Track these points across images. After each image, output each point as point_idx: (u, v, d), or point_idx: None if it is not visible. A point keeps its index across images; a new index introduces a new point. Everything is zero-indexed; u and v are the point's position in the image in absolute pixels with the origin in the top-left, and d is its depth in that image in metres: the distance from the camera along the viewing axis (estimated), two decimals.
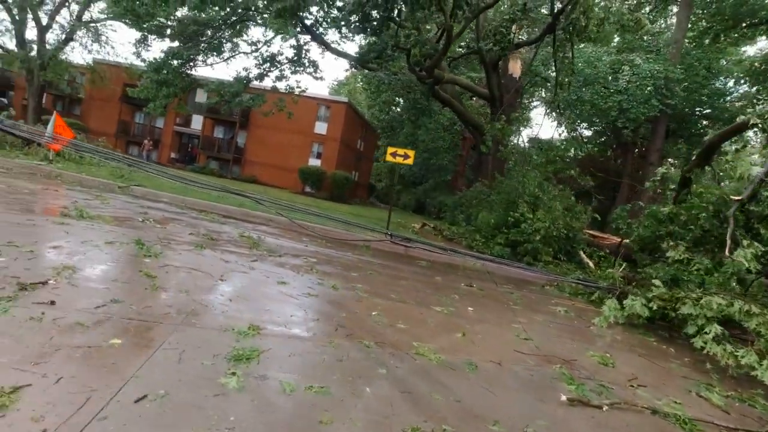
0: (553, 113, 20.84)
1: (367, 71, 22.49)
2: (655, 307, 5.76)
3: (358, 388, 2.91)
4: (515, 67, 18.64)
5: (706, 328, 4.54)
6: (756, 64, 21.49)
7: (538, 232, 10.41)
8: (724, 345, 4.35)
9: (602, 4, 13.67)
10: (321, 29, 14.99)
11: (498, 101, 17.75)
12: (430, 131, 23.11)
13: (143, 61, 15.49)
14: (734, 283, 5.61)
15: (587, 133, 26.97)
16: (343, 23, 11.91)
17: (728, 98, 19.87)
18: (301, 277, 5.53)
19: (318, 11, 13.29)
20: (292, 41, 14.17)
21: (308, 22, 14.43)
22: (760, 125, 5.48)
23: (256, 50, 15.18)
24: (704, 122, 20.96)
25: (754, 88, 21.46)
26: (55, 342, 2.68)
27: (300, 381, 2.83)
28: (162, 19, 14.96)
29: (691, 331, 5.12)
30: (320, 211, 12.61)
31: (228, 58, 15.38)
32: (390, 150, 12.05)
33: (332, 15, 12.95)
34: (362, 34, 11.90)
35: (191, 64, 14.87)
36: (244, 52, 15.69)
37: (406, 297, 5.63)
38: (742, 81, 22.63)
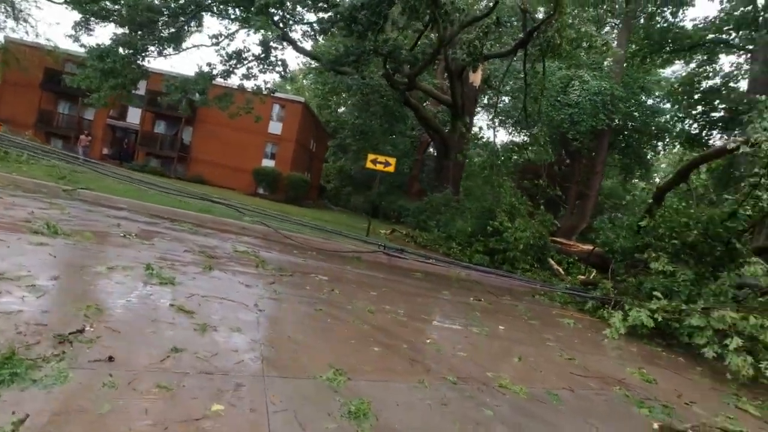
0: (506, 121, 21.84)
1: (323, 72, 21.97)
2: (660, 319, 6.15)
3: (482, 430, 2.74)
4: (476, 77, 19.19)
5: (727, 340, 4.91)
6: (675, 85, 24.06)
7: (520, 241, 10.76)
8: (745, 356, 4.74)
9: (575, 24, 14.50)
10: (288, 27, 14.33)
11: (460, 109, 18.17)
12: (405, 137, 23.13)
13: (83, 46, 13.77)
14: (729, 296, 6.17)
15: (527, 138, 28.70)
16: (329, 24, 11.44)
17: (664, 115, 21.98)
18: (327, 299, 5.17)
19: (292, 8, 12.68)
20: (258, 37, 13.36)
21: (276, 18, 13.71)
22: (746, 149, 6.05)
23: (217, 44, 14.14)
24: (635, 135, 23.02)
25: (674, 106, 23.95)
26: (157, 418, 2.20)
27: (424, 428, 2.59)
28: (108, 2, 13.40)
29: (701, 342, 5.51)
30: (303, 220, 12.04)
31: (185, 50, 14.15)
32: (371, 157, 11.82)
33: (319, 17, 12.42)
34: (347, 36, 11.51)
35: (143, 54, 13.48)
36: (204, 45, 14.52)
37: (437, 317, 5.50)
38: (665, 100, 25.17)
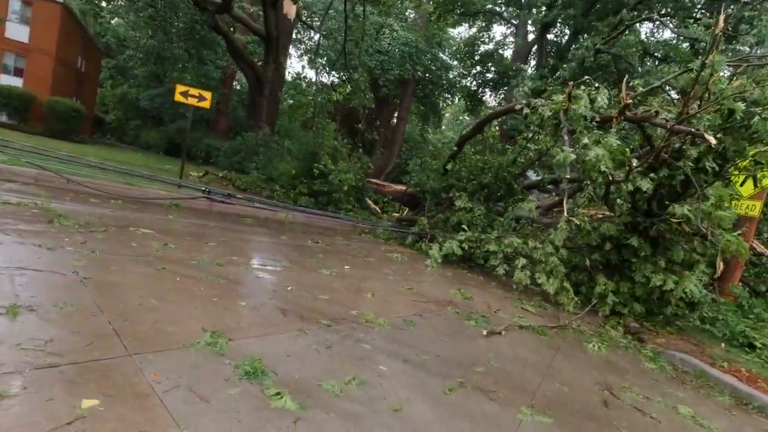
0: (325, 63, 21.57)
1: None
2: (466, 248, 7.54)
3: (378, 370, 3.00)
4: (290, 9, 18.11)
5: (515, 261, 6.43)
6: (461, 45, 27.75)
7: (344, 183, 11.24)
8: (525, 271, 6.32)
9: None
10: None
11: (274, 41, 17.06)
12: (216, 67, 20.00)
13: None
14: (512, 227, 7.95)
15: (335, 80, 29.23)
16: None
17: (452, 71, 25.15)
18: (164, 255, 4.52)
19: None
20: None
21: None
22: (527, 110, 7.64)
23: None
24: (431, 87, 25.98)
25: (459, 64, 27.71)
26: None
27: (329, 377, 2.70)
28: None
29: (495, 263, 7.05)
30: (91, 160, 9.66)
31: None
32: (180, 89, 10.15)
33: None
34: None
35: None
36: None
37: (286, 263, 5.45)
38: (453, 58, 28.85)
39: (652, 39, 17.55)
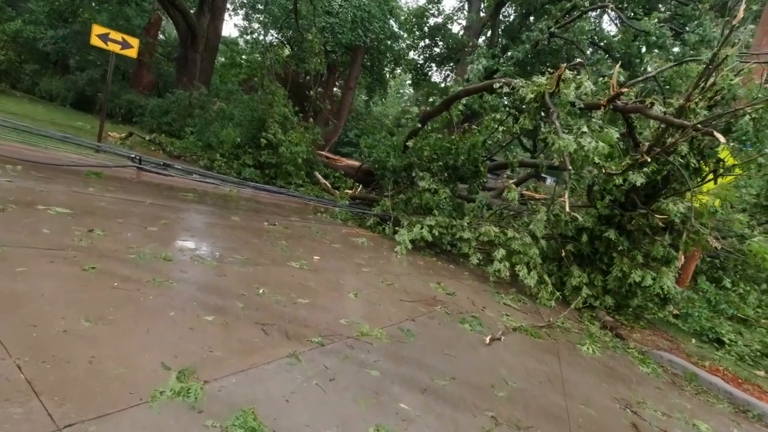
0: (269, 22, 19.49)
1: None
2: (437, 233, 7.07)
3: (399, 410, 2.39)
4: None
5: (494, 251, 6.06)
6: (410, 16, 26.82)
7: (296, 155, 10.21)
8: (505, 263, 5.99)
9: None
10: None
11: None
12: (144, 11, 17.03)
13: None
14: (484, 213, 7.60)
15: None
16: None
17: (400, 42, 24.18)
18: (90, 246, 3.47)
19: None
20: None
21: None
22: (506, 90, 7.20)
23: None
24: (379, 57, 24.89)
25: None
26: None
27: (335, 423, 2.05)
28: None
29: (468, 252, 6.67)
30: None
31: None
32: (98, 30, 8.34)
33: None
34: None
35: None
36: None
37: (247, 253, 4.57)
38: (402, 28, 27.86)
39: (598, 29, 17.96)
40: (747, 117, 4.83)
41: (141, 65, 21.70)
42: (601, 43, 17.50)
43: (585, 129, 4.90)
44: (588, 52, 16.83)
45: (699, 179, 5.83)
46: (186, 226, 5.06)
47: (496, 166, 9.44)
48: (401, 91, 46.22)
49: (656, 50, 12.24)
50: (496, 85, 7.32)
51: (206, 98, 13.54)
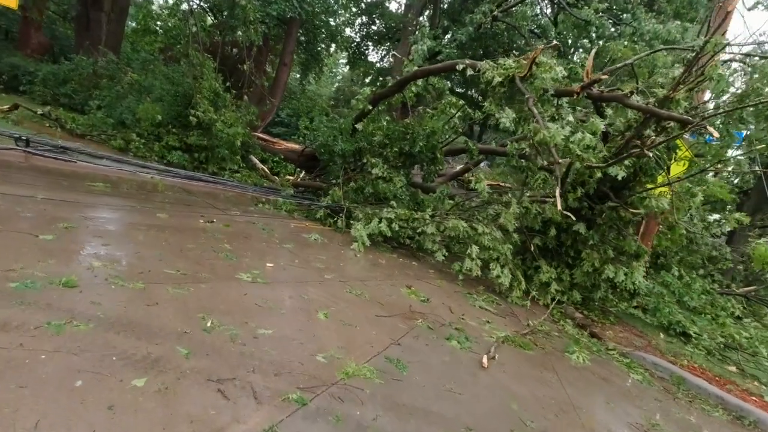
0: None
1: None
2: (397, 228, 6.46)
3: None
4: None
5: (468, 249, 5.57)
6: None
7: (232, 137, 8.99)
8: (476, 261, 5.54)
9: None
10: None
11: None
12: None
13: None
14: (447, 205, 7.08)
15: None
16: None
17: (337, 18, 22.83)
18: None
19: None
20: None
21: None
22: (470, 72, 6.67)
23: None
24: (315, 32, 23.39)
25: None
26: None
27: None
28: None
29: (431, 248, 6.14)
30: None
31: None
32: None
33: None
34: None
35: None
36: None
37: (181, 265, 3.61)
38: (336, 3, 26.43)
39: (540, 16, 18.17)
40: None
41: (28, 23, 18.31)
42: (537, 31, 17.73)
43: (570, 118, 4.51)
44: (524, 39, 16.96)
45: (663, 171, 5.77)
46: (96, 230, 3.93)
47: (450, 151, 8.98)
48: (334, 70, 44.62)
49: (599, 41, 12.46)
50: (459, 67, 6.76)
51: (116, 66, 11.57)
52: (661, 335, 5.46)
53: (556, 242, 6.22)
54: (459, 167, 11.26)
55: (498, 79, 5.98)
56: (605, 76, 5.04)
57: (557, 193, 4.32)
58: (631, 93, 4.91)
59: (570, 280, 5.96)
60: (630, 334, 5.35)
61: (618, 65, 5.79)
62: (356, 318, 3.61)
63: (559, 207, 4.27)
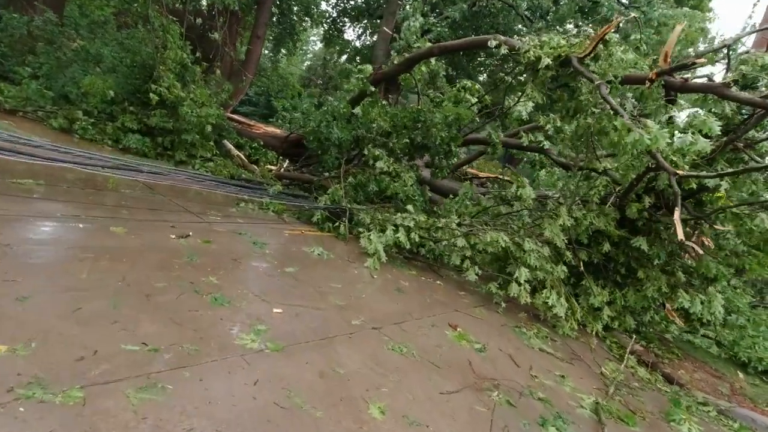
0: None
1: None
2: (417, 239, 5.30)
3: None
4: None
5: (516, 272, 4.48)
6: None
7: (204, 118, 7.47)
8: (524, 286, 4.48)
9: None
10: None
11: None
12: None
13: None
14: (470, 208, 5.96)
15: None
16: None
17: None
18: None
19: None
20: None
21: None
22: (505, 50, 5.52)
23: None
24: (291, 6, 21.42)
25: None
26: None
27: None
28: None
29: (466, 266, 5.04)
30: None
31: None
32: None
33: None
34: None
35: None
36: None
37: (156, 331, 2.34)
38: None
39: None
40: None
41: None
42: (529, 15, 16.67)
43: (674, 113, 3.47)
44: (523, 21, 15.89)
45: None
46: (15, 264, 2.55)
47: (468, 142, 7.86)
48: (305, 48, 42.32)
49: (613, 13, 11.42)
50: (492, 43, 5.58)
51: (58, 29, 9.61)
52: (741, 375, 4.67)
53: (602, 258, 5.25)
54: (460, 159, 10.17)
55: (547, 60, 4.86)
56: (702, 60, 4.01)
57: (676, 217, 3.29)
58: (729, 84, 3.92)
59: (623, 304, 5.03)
60: (705, 373, 4.51)
61: (714, 47, 4.78)
62: (420, 405, 2.45)
63: (681, 236, 3.25)
